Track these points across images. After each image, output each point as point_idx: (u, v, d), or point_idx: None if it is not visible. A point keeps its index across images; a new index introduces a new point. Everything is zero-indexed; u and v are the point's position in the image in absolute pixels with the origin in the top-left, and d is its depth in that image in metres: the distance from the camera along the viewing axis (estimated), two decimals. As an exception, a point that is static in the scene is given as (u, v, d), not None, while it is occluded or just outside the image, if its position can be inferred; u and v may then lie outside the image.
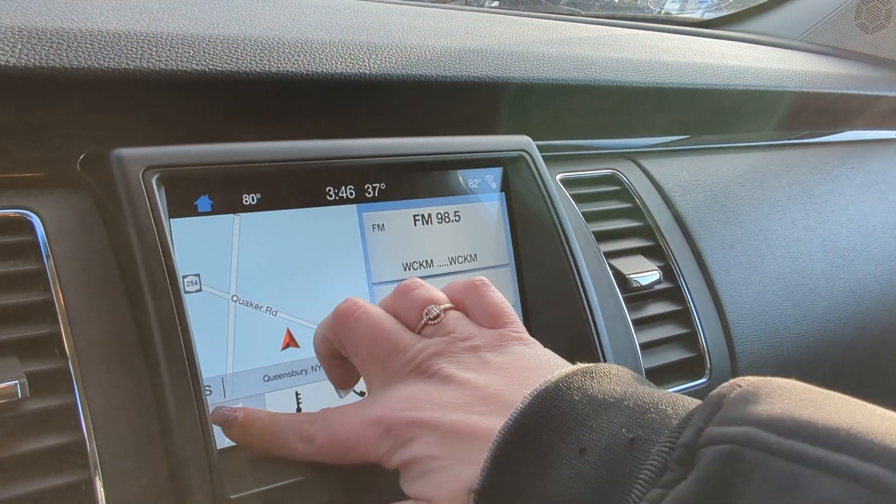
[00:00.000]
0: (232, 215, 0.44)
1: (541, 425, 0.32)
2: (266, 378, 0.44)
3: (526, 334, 0.40)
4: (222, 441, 0.42)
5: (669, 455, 0.29)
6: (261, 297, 0.44)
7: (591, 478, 0.30)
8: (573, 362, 0.43)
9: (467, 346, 0.39)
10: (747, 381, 0.30)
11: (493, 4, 1.17)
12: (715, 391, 0.30)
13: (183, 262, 0.42)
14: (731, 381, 0.31)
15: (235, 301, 0.43)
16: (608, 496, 0.29)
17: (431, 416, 0.35)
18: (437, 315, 0.40)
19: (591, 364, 0.35)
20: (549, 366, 0.37)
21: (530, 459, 0.32)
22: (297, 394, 0.45)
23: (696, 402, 0.31)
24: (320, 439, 0.38)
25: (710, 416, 0.29)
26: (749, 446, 0.27)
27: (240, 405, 0.43)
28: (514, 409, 0.33)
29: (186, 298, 0.40)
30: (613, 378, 0.35)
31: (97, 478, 0.37)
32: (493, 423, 0.33)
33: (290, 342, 0.44)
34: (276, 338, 0.44)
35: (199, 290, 0.42)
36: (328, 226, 0.47)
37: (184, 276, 0.42)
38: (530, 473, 0.32)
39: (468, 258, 0.52)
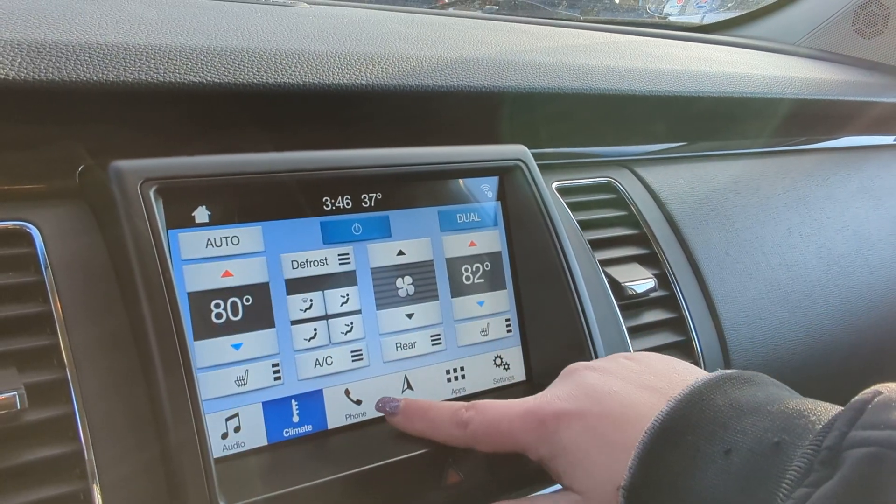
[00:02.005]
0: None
1: (686, 427, 0.34)
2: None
3: None
4: (219, 450, 0.42)
5: (815, 457, 0.30)
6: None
7: (737, 477, 0.32)
8: (570, 364, 0.44)
9: (608, 357, 0.43)
10: (889, 388, 0.32)
11: (492, 9, 1.17)
12: (858, 397, 0.32)
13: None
14: (874, 387, 0.32)
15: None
16: (755, 494, 0.31)
17: (580, 406, 0.38)
18: None
19: (735, 370, 0.37)
20: (688, 369, 0.40)
21: (676, 459, 0.34)
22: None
23: (839, 408, 0.32)
24: (475, 425, 0.41)
25: (853, 420, 0.30)
26: (894, 449, 0.28)
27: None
28: (659, 411, 0.35)
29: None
30: (756, 384, 0.36)
31: (95, 488, 0.37)
32: (644, 412, 0.36)
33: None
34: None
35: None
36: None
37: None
38: (677, 472, 0.34)
39: (465, 265, 0.52)
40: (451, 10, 1.07)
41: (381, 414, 0.48)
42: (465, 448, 0.43)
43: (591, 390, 0.39)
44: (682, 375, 0.38)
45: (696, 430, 0.34)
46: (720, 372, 0.37)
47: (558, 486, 0.46)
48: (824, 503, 0.29)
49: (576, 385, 0.40)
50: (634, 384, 0.39)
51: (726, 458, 0.33)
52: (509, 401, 0.41)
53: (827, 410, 0.33)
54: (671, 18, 1.51)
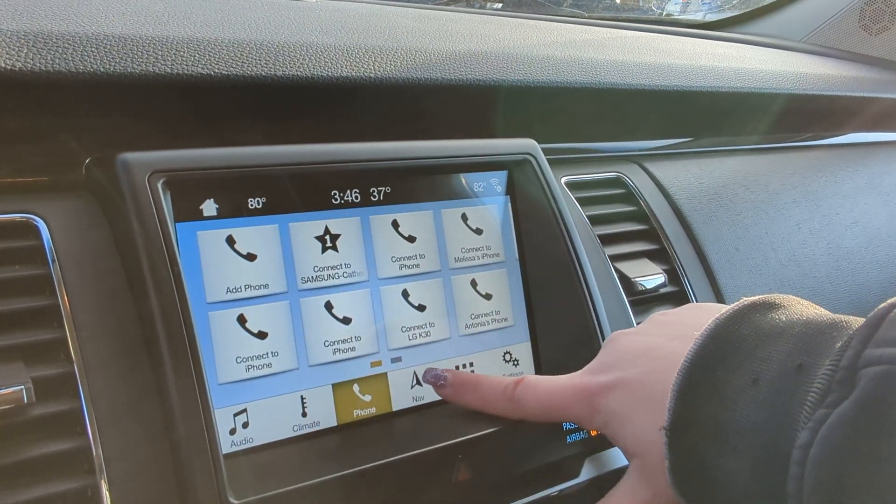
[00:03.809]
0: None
1: (714, 362, 0.36)
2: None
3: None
4: (227, 446, 0.42)
5: (833, 377, 0.31)
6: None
7: (765, 405, 0.33)
8: (580, 360, 0.45)
9: (646, 320, 0.45)
10: None
11: (496, 6, 1.16)
12: (874, 312, 0.32)
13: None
14: (891, 300, 0.32)
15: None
16: (781, 419, 0.32)
17: (620, 373, 0.41)
18: None
19: (758, 297, 0.38)
20: (718, 307, 0.40)
21: (709, 394, 0.35)
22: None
23: (861, 321, 0.33)
24: (526, 401, 0.43)
25: (868, 337, 0.31)
26: None
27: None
28: (687, 353, 0.37)
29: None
30: (779, 308, 0.37)
31: (103, 483, 0.37)
32: (676, 360, 0.37)
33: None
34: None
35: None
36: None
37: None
38: (711, 407, 0.35)
39: (474, 260, 0.52)
40: (452, 7, 1.07)
41: (389, 410, 0.47)
42: (476, 442, 0.44)
43: (628, 354, 0.41)
44: (712, 314, 0.38)
45: (723, 364, 0.35)
46: (743, 300, 0.38)
47: (576, 481, 0.46)
48: (841, 425, 0.30)
49: (614, 353, 0.42)
50: (667, 337, 0.40)
51: (754, 387, 0.34)
52: (556, 377, 0.44)
53: (848, 326, 0.33)
54: (674, 16, 1.50)
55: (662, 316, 0.44)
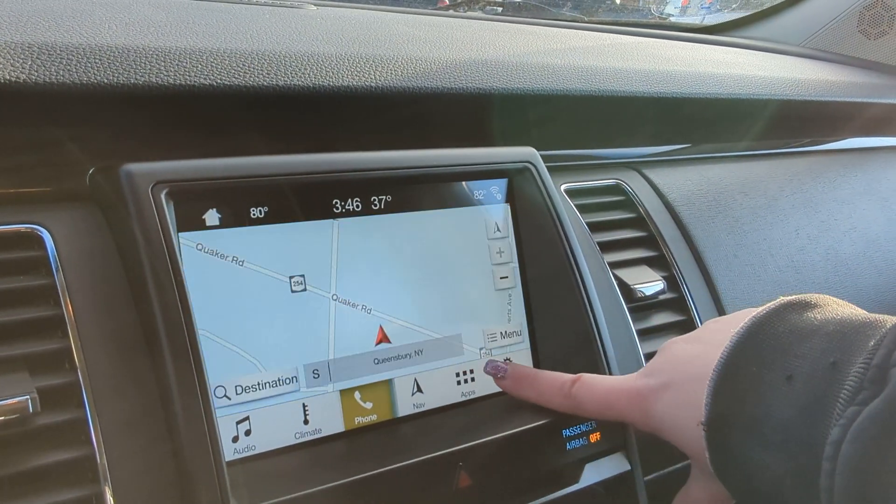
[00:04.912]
0: (331, 221, 0.47)
1: (750, 358, 0.37)
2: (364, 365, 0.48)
3: None
4: (230, 454, 0.42)
5: (864, 375, 0.32)
6: (357, 296, 0.47)
7: (798, 401, 0.34)
8: (579, 367, 0.46)
9: (701, 326, 0.47)
10: None
11: (497, 11, 1.17)
12: None
13: (288, 265, 0.45)
14: None
15: (335, 300, 0.47)
16: (814, 415, 0.33)
17: (670, 378, 0.42)
18: None
19: (794, 296, 0.39)
20: (753, 311, 0.41)
21: (744, 390, 0.37)
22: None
23: (894, 320, 0.34)
24: (583, 399, 0.45)
25: None
26: None
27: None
28: (724, 349, 0.38)
29: (294, 297, 0.45)
30: (816, 306, 0.38)
31: (108, 491, 0.37)
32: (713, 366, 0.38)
33: (383, 338, 0.48)
34: (370, 333, 0.48)
35: (304, 289, 0.45)
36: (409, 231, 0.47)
37: (290, 277, 0.45)
38: (746, 402, 0.36)
39: (475, 268, 0.52)
40: (451, 12, 1.07)
41: (390, 417, 0.48)
42: (477, 449, 0.45)
43: (678, 360, 0.43)
44: (749, 315, 0.39)
45: (758, 360, 0.36)
46: (781, 299, 0.39)
47: (576, 487, 0.46)
48: (871, 422, 0.30)
49: (665, 358, 0.44)
50: (715, 344, 0.40)
51: (788, 384, 0.35)
52: (611, 378, 0.47)
53: (882, 325, 0.34)
54: (672, 19, 1.51)
55: (714, 323, 0.45)
